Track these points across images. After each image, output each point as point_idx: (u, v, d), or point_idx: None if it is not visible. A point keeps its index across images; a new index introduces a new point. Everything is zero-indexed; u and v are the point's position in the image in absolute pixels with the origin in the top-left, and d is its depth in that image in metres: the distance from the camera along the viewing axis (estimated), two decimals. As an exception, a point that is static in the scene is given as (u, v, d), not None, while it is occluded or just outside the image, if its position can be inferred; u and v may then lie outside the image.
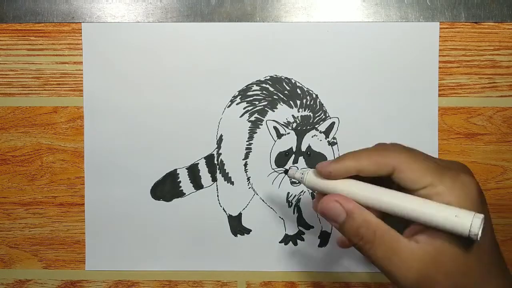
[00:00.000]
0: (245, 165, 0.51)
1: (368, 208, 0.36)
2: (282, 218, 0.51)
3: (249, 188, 0.51)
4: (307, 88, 0.50)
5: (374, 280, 0.51)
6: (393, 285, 0.47)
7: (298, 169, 0.40)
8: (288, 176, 0.40)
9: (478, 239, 0.33)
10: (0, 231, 0.52)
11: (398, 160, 0.35)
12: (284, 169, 0.50)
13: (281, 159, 0.50)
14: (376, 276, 0.51)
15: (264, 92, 0.50)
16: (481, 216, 0.33)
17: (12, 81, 0.51)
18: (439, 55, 0.50)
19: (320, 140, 0.50)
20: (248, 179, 0.51)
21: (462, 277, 0.35)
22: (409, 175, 0.35)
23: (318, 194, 0.39)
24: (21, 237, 0.52)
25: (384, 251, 0.35)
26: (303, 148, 0.50)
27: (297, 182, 0.50)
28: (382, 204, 0.35)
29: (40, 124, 0.51)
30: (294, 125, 0.50)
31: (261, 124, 0.50)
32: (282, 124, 0.50)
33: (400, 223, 0.36)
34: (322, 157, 0.50)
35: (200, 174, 0.51)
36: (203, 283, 0.51)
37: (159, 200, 0.51)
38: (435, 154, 0.50)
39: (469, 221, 0.33)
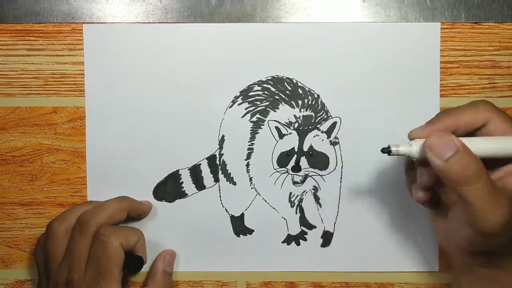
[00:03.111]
0: (247, 165, 0.51)
1: None
2: (284, 218, 0.51)
3: (252, 188, 0.51)
4: (308, 88, 0.50)
5: (374, 280, 0.51)
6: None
7: (397, 145, 0.40)
8: (392, 154, 0.40)
9: None
10: (0, 231, 0.52)
11: (490, 115, 0.40)
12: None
13: (283, 159, 0.50)
14: (376, 276, 0.51)
15: (265, 92, 0.50)
16: None
17: (12, 81, 0.51)
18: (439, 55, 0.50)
19: (322, 140, 0.50)
20: (250, 179, 0.51)
21: None
22: (500, 125, 0.39)
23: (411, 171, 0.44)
24: (21, 237, 0.52)
25: (481, 195, 0.36)
26: (305, 148, 0.50)
27: (299, 182, 0.50)
28: (486, 148, 0.38)
29: (40, 124, 0.51)
30: (296, 125, 0.50)
31: (263, 125, 0.50)
32: (284, 124, 0.50)
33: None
34: (325, 157, 0.50)
35: (202, 174, 0.51)
36: (203, 283, 0.51)
37: (161, 201, 0.51)
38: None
39: None
